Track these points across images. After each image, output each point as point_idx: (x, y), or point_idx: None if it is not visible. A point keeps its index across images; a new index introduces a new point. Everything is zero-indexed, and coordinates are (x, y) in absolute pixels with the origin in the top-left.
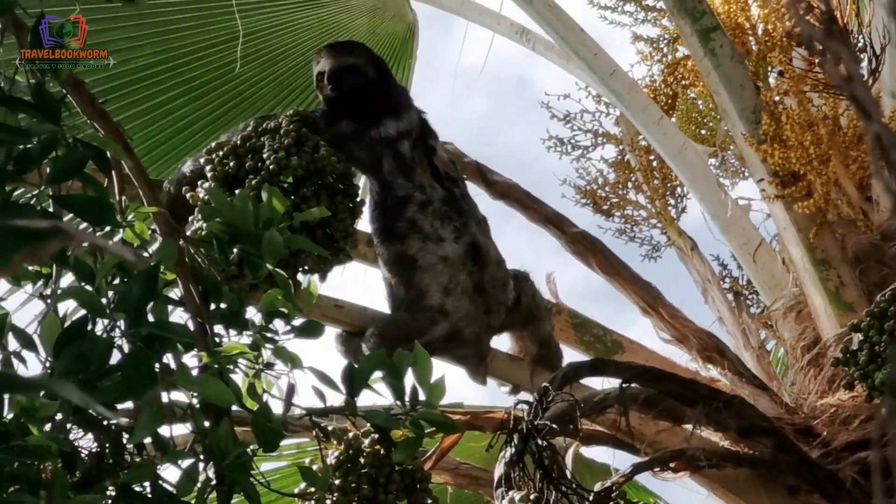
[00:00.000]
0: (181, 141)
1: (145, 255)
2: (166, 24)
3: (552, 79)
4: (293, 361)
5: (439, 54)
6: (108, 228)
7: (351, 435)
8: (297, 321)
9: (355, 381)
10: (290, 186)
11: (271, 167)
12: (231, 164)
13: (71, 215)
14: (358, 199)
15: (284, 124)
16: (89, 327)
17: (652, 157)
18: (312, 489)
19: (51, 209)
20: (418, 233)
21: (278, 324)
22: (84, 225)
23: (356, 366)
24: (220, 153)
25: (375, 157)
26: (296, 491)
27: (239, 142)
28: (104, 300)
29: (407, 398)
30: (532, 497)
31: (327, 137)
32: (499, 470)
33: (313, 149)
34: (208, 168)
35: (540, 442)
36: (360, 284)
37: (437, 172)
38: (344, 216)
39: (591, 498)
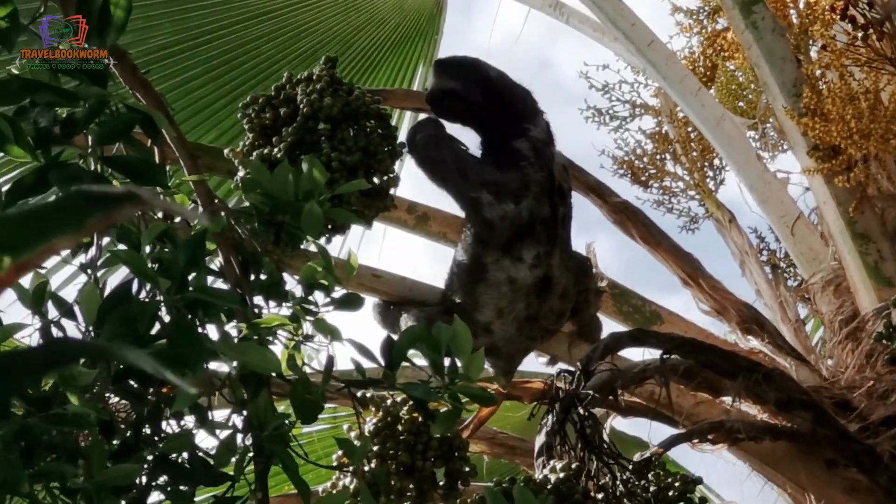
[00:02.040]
0: (201, 120)
1: (188, 225)
2: (186, 3)
3: (574, 61)
4: (332, 333)
5: (463, 37)
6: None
7: (389, 402)
8: (337, 293)
9: (394, 354)
10: (326, 130)
11: (305, 110)
12: (268, 115)
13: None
14: (397, 142)
15: (317, 71)
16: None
17: (690, 129)
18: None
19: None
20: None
21: (318, 295)
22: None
23: (395, 339)
24: (256, 106)
25: (526, 186)
26: (334, 460)
27: (273, 93)
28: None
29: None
30: (573, 466)
31: (503, 213)
32: (540, 439)
33: (348, 91)
34: (245, 122)
35: (581, 411)
36: (400, 253)
37: (553, 185)
38: (383, 157)
39: (630, 468)
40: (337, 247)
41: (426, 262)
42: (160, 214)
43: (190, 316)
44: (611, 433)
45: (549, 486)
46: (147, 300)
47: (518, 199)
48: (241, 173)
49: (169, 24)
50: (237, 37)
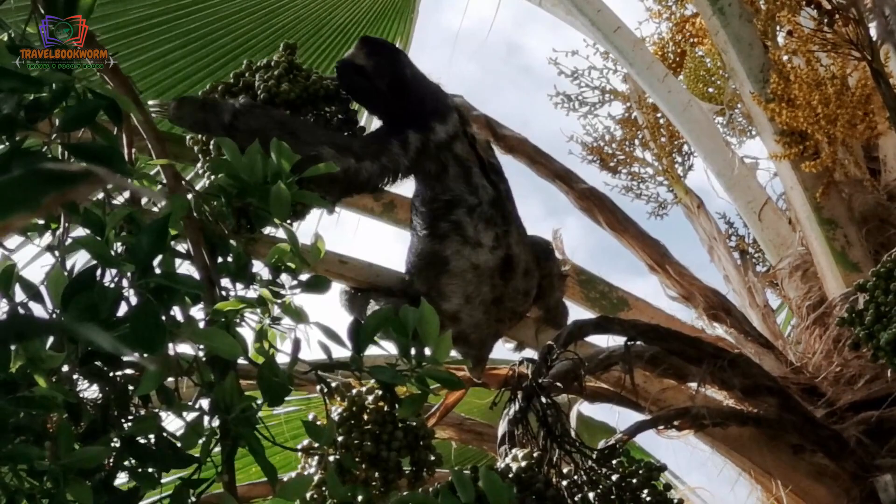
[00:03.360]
0: (178, 93)
1: (154, 209)
2: None
3: (542, 46)
4: (299, 316)
5: (430, 19)
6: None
7: (354, 391)
8: (304, 276)
9: (361, 337)
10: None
11: (262, 96)
12: None
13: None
14: (357, 126)
15: (276, 57)
16: (97, 279)
17: (659, 115)
18: (316, 444)
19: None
20: (460, 235)
21: (285, 278)
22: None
23: (362, 322)
24: (216, 94)
25: (442, 166)
26: (300, 446)
27: (232, 80)
28: (112, 252)
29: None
30: (535, 455)
31: (408, 165)
32: (502, 427)
33: (306, 77)
34: None
35: (544, 400)
36: (366, 240)
37: (484, 165)
38: None
39: (594, 456)
40: (306, 234)
41: (398, 248)
42: (125, 195)
43: (155, 300)
44: (578, 418)
45: (510, 475)
46: (112, 284)
47: (359, 159)
48: (200, 162)
49: None
50: (214, 11)
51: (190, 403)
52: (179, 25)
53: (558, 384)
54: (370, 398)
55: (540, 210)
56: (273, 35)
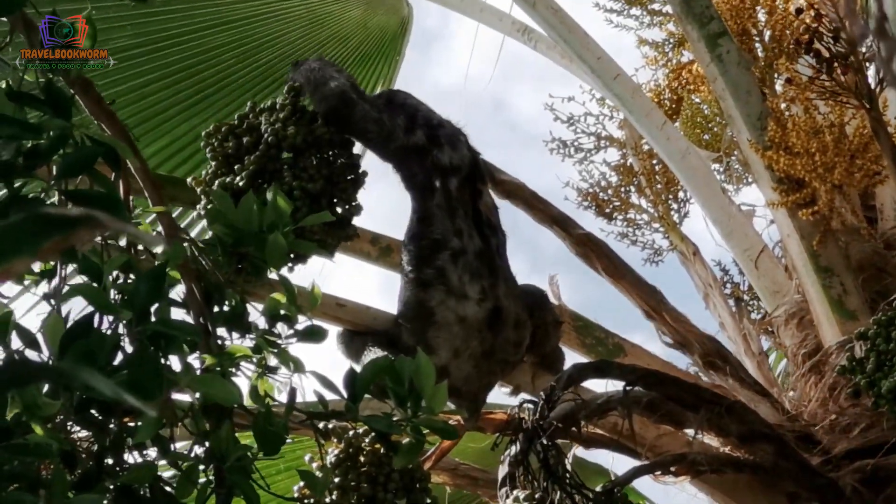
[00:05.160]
0: (153, 126)
1: (154, 252)
2: (149, 7)
3: (528, 102)
4: (296, 365)
5: (416, 74)
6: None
7: (351, 433)
8: (301, 325)
9: (357, 386)
10: (289, 159)
11: (269, 139)
12: (230, 143)
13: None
14: (360, 171)
15: (280, 99)
16: (94, 326)
17: (655, 161)
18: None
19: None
20: (444, 284)
21: (281, 327)
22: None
23: (358, 371)
24: (219, 135)
25: (430, 183)
26: (295, 492)
27: (237, 122)
28: (110, 299)
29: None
30: (536, 496)
31: (400, 144)
32: (503, 469)
33: (310, 121)
34: (208, 151)
35: (545, 441)
36: (363, 282)
37: (479, 219)
38: (346, 186)
39: (593, 497)
40: (303, 277)
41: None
42: (122, 242)
43: (152, 347)
44: (573, 461)
45: None
46: (110, 331)
47: (362, 98)
48: (202, 203)
49: (130, 27)
50: (198, 44)
51: (185, 452)
52: (160, 57)
53: (560, 426)
54: (367, 440)
55: (525, 265)
56: (256, 71)
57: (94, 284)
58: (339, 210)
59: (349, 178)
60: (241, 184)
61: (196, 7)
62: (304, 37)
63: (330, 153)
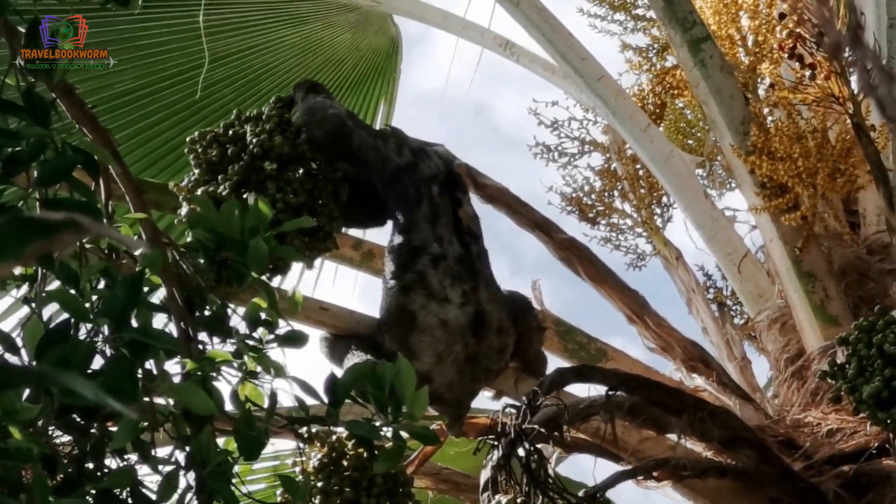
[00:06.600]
0: (166, 164)
1: (135, 257)
2: (148, 48)
3: (512, 106)
4: (277, 370)
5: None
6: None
7: (334, 438)
8: (282, 329)
9: (338, 391)
10: (272, 171)
11: (255, 150)
12: (214, 152)
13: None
14: (342, 186)
15: (266, 110)
16: (72, 331)
17: (638, 166)
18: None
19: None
20: (425, 288)
21: (262, 332)
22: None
23: (339, 376)
24: (204, 142)
25: (419, 197)
26: (277, 496)
27: (221, 130)
28: (88, 304)
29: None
30: (519, 501)
31: (395, 165)
32: (485, 474)
33: (296, 133)
34: (192, 157)
35: (527, 446)
36: (347, 287)
37: (460, 226)
38: (327, 200)
39: (575, 502)
40: (289, 282)
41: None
42: (104, 247)
43: (130, 354)
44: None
45: None
46: (88, 338)
47: (357, 125)
48: (184, 209)
49: (131, 69)
50: (197, 81)
51: (166, 457)
52: (165, 97)
53: (542, 430)
54: (349, 444)
55: (505, 270)
56: (257, 101)
57: (71, 290)
58: (320, 224)
59: (332, 189)
60: (223, 193)
61: (192, 45)
62: (300, 64)
63: (314, 165)
